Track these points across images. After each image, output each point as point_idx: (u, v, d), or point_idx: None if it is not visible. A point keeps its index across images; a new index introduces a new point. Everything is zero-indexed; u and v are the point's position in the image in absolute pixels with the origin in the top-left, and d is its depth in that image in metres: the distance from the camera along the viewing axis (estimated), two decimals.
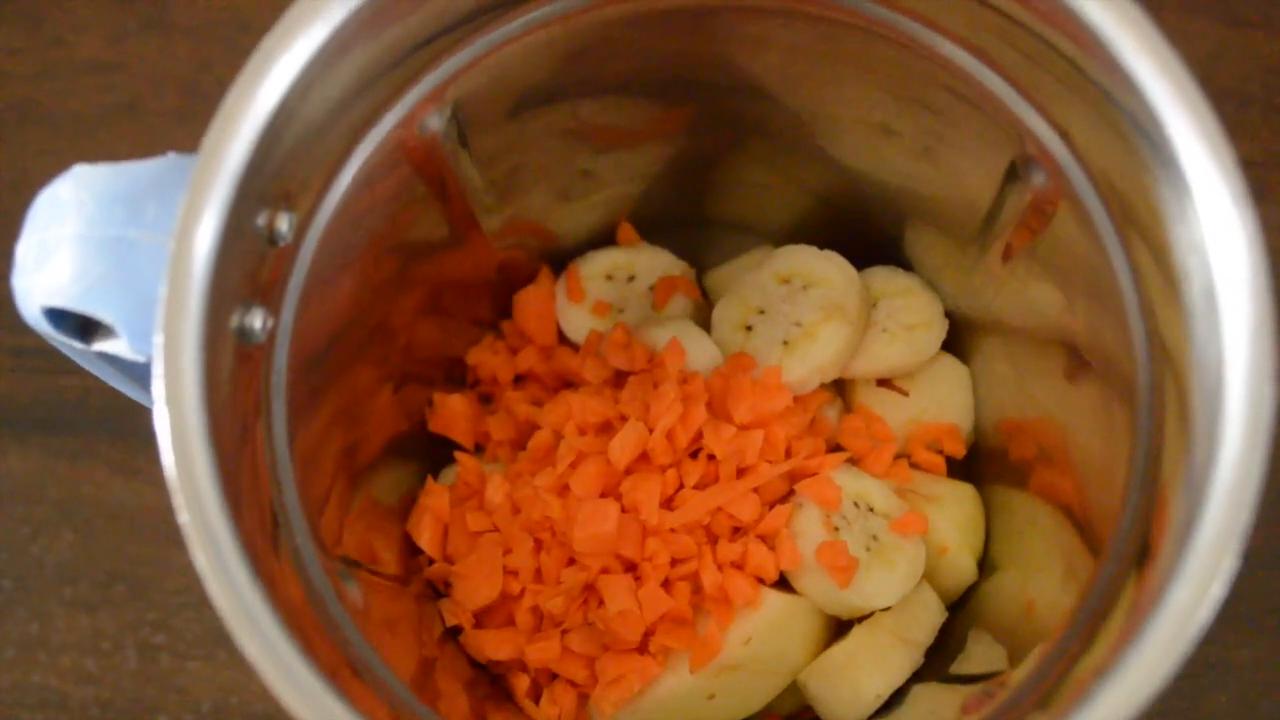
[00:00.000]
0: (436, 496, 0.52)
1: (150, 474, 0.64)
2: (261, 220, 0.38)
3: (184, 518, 0.35)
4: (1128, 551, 0.40)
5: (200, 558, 0.35)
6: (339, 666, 0.40)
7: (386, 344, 0.51)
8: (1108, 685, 0.34)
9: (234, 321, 0.38)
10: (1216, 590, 0.34)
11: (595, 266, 0.57)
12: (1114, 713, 0.34)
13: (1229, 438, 0.34)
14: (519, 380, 0.57)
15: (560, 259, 0.58)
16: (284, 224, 0.39)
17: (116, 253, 0.38)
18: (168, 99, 0.69)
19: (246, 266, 0.38)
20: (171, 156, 0.40)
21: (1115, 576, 0.40)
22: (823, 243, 0.55)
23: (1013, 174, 0.45)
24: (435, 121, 0.45)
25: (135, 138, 0.69)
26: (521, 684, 0.51)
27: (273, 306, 0.41)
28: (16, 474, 0.65)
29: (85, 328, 0.41)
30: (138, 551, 0.64)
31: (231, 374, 0.38)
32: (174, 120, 0.69)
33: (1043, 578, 0.49)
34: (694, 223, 0.59)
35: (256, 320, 0.39)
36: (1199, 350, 0.36)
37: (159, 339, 0.35)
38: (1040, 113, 0.42)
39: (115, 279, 0.38)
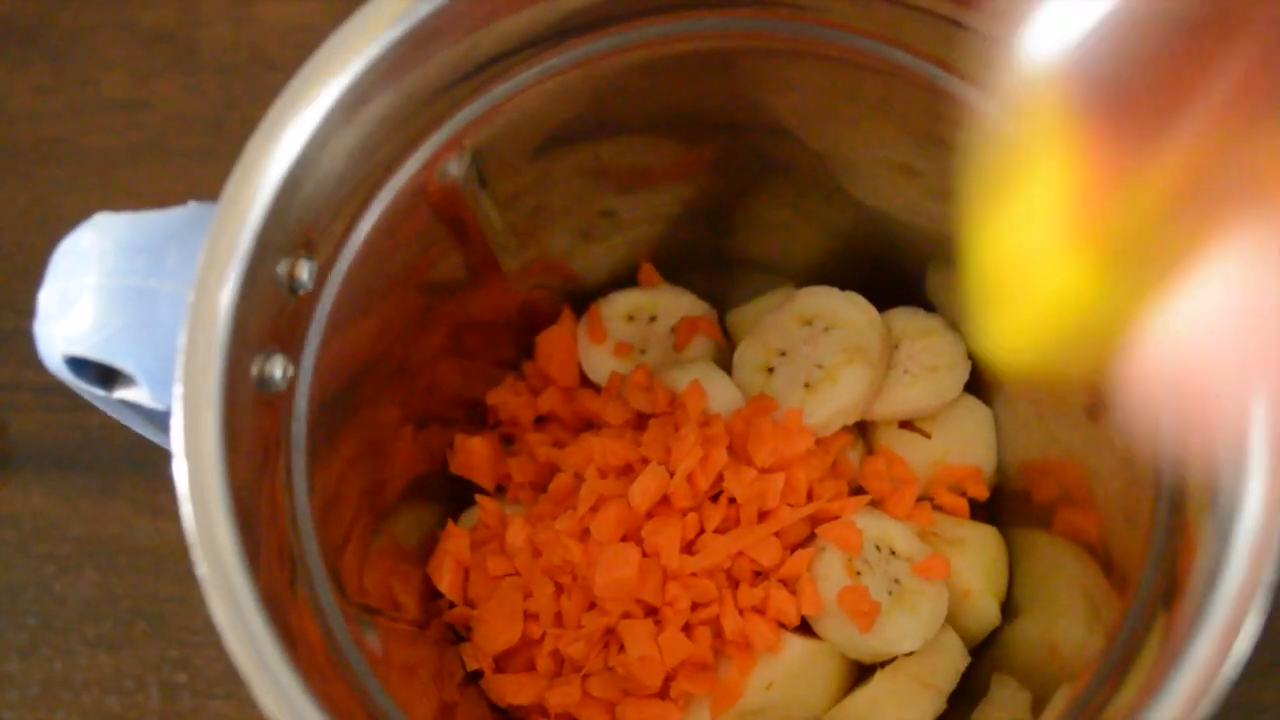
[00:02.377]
0: (457, 539, 0.52)
1: (173, 512, 0.64)
2: (282, 269, 0.39)
3: (202, 570, 0.35)
4: (1155, 591, 0.40)
5: (218, 611, 0.35)
6: (358, 717, 0.40)
7: (408, 385, 0.51)
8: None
9: (254, 370, 0.38)
10: (1247, 632, 0.34)
11: (617, 307, 0.57)
12: None
13: (1253, 489, 0.34)
14: (540, 421, 0.56)
15: (582, 299, 0.58)
16: (304, 272, 0.40)
17: (137, 302, 0.38)
18: (193, 137, 0.70)
19: (267, 315, 0.38)
20: (192, 206, 0.40)
21: (1143, 617, 0.40)
22: (845, 283, 0.55)
23: None
24: (455, 167, 0.45)
25: (161, 176, 0.69)
26: None
27: (293, 354, 0.41)
28: (40, 511, 0.65)
29: (107, 375, 0.41)
30: (160, 589, 0.64)
31: (251, 423, 0.38)
32: (199, 159, 0.69)
33: (1067, 621, 0.49)
34: (716, 262, 0.58)
35: (277, 369, 0.39)
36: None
37: (178, 390, 0.35)
38: None
39: (136, 329, 0.38)
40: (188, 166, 0.69)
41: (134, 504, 0.65)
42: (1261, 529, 0.34)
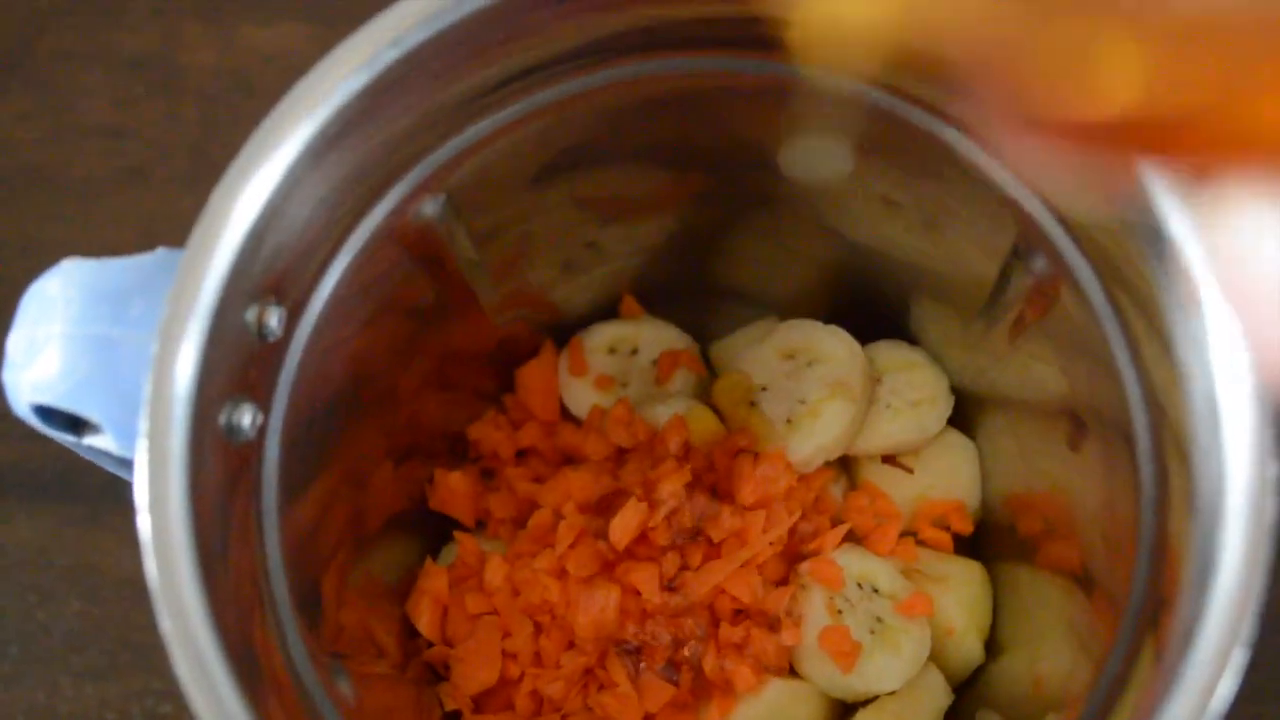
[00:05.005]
0: (435, 578, 0.52)
1: None
2: (250, 316, 0.38)
3: (165, 626, 0.34)
4: (1142, 616, 0.39)
5: (182, 668, 0.34)
6: None
7: (386, 419, 0.51)
8: None
9: (221, 420, 0.38)
10: (1240, 650, 0.33)
11: (598, 340, 0.56)
12: None
13: (1230, 542, 0.34)
14: (521, 455, 0.56)
15: (563, 332, 0.57)
16: (273, 319, 0.39)
17: (102, 351, 0.38)
18: (175, 164, 0.69)
19: (234, 364, 0.38)
20: (160, 252, 0.40)
21: (1131, 642, 0.39)
22: (827, 315, 0.54)
23: (1016, 255, 0.45)
24: (430, 208, 0.44)
25: (143, 203, 0.69)
26: None
27: (263, 401, 0.40)
28: (24, 541, 0.65)
29: (75, 422, 0.40)
30: (145, 620, 0.63)
31: (218, 473, 0.38)
32: (181, 185, 0.69)
33: (1053, 654, 0.48)
34: (698, 293, 0.58)
35: (246, 417, 0.39)
36: (1201, 450, 0.35)
37: (142, 444, 0.35)
38: (1040, 198, 0.42)
39: (100, 378, 0.38)
40: (170, 194, 0.69)
41: (119, 534, 0.65)
42: (1247, 547, 0.34)
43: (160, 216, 0.69)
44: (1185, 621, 0.35)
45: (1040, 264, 0.43)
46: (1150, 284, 0.36)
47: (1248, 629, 0.33)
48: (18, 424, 0.65)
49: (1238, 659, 0.33)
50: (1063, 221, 0.41)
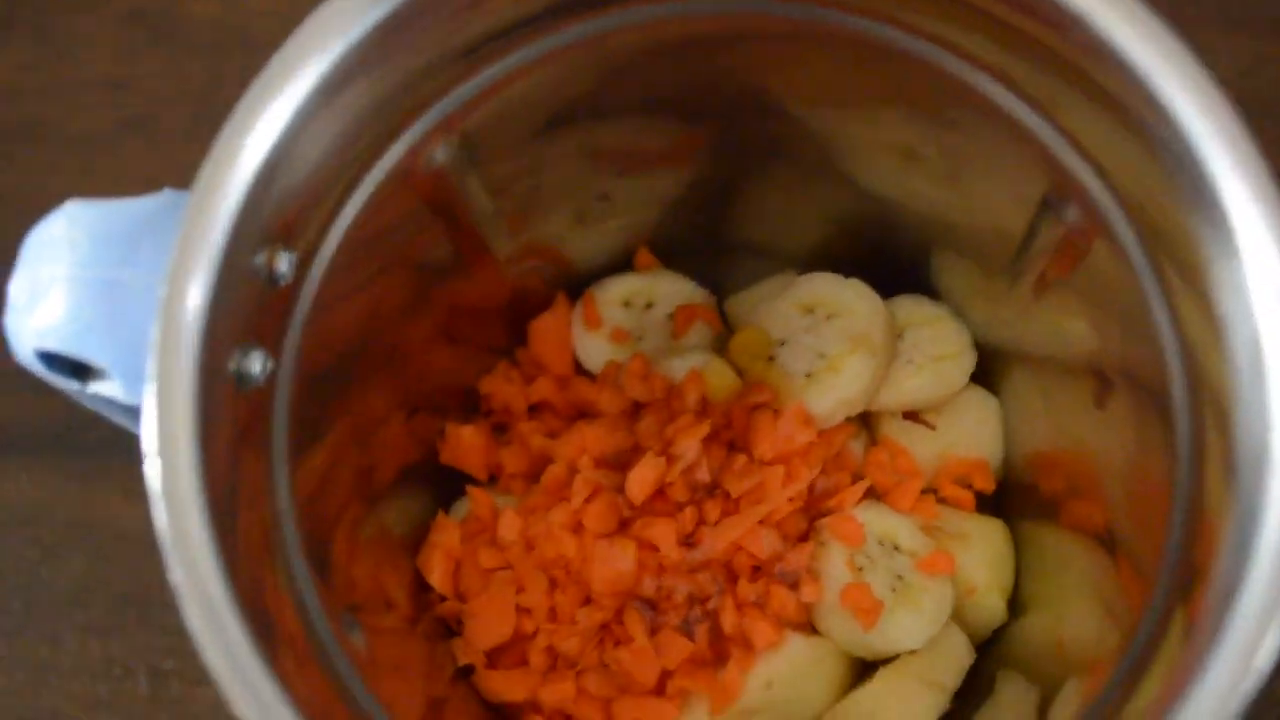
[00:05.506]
0: (447, 532, 0.51)
1: None
2: (259, 260, 0.37)
3: (176, 576, 0.33)
4: (1173, 585, 0.38)
5: (193, 619, 0.33)
6: (326, 705, 0.38)
7: (397, 372, 0.50)
8: None
9: (231, 366, 0.37)
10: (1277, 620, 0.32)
11: (613, 293, 0.55)
12: None
13: (1275, 502, 0.33)
14: (533, 410, 0.55)
15: (577, 285, 0.56)
16: (284, 263, 0.38)
17: (108, 295, 0.37)
18: (178, 117, 0.68)
19: (244, 309, 0.37)
20: (167, 193, 0.39)
21: (1162, 612, 0.38)
22: (847, 269, 0.53)
23: (1046, 206, 0.43)
24: (443, 153, 0.43)
25: (144, 157, 0.67)
26: None
27: (273, 347, 0.39)
28: (26, 496, 0.64)
29: (80, 369, 0.39)
30: (150, 576, 0.63)
31: (228, 419, 0.36)
32: (184, 138, 0.68)
33: (1076, 615, 0.47)
34: (714, 247, 0.57)
35: (255, 364, 0.38)
36: (1244, 403, 0.34)
37: (150, 389, 0.34)
38: (1073, 146, 0.40)
39: (107, 322, 0.37)
40: (172, 148, 0.68)
41: (123, 489, 0.64)
42: None
43: (163, 170, 0.68)
44: (1221, 591, 0.33)
45: (1072, 214, 0.42)
46: (1189, 232, 0.35)
47: None
48: (18, 378, 0.64)
49: (1273, 640, 0.32)
50: (1098, 169, 0.40)
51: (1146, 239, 0.39)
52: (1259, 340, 0.33)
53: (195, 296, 0.34)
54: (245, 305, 0.37)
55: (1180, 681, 0.33)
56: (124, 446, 0.63)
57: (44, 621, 0.62)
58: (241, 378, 0.37)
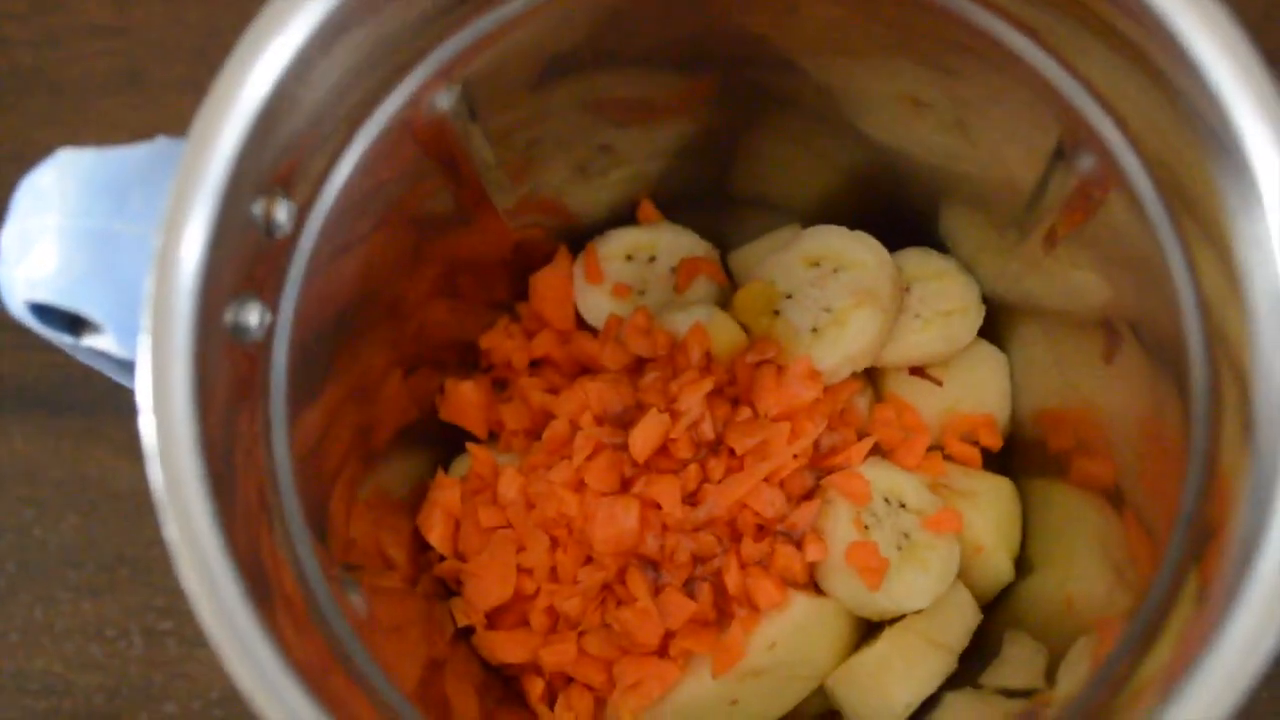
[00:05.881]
0: (447, 490, 0.50)
1: None
2: (257, 210, 0.36)
3: (171, 533, 0.33)
4: (1187, 544, 0.38)
5: (188, 577, 0.33)
6: (339, 686, 0.37)
7: (397, 327, 0.49)
8: (1184, 692, 0.32)
9: (228, 319, 0.36)
10: None
11: (615, 246, 0.54)
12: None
13: None
14: (535, 366, 0.54)
15: (578, 239, 0.55)
16: (282, 213, 0.37)
17: (101, 246, 0.36)
18: (174, 67, 0.67)
19: (241, 260, 0.36)
20: (160, 141, 0.38)
21: (1174, 574, 0.38)
22: (853, 222, 0.52)
23: (1059, 156, 0.42)
24: (444, 100, 0.42)
25: (140, 106, 0.66)
26: (536, 687, 0.49)
27: (271, 300, 0.38)
28: (19, 454, 0.63)
29: (74, 322, 0.38)
30: (144, 535, 0.62)
31: (225, 374, 0.36)
32: (180, 89, 0.67)
33: (1084, 574, 0.47)
34: (718, 200, 0.56)
35: (253, 316, 0.37)
36: (1263, 355, 0.33)
37: (144, 342, 0.33)
38: (1090, 93, 0.39)
39: (100, 273, 0.36)
40: (169, 98, 0.66)
41: (116, 447, 0.63)
42: None
43: (158, 120, 0.67)
44: (1237, 551, 0.33)
45: (1087, 164, 0.41)
46: (1209, 182, 0.34)
47: None
48: (11, 334, 0.64)
49: None
50: (1116, 118, 0.39)
51: (1164, 190, 0.38)
52: (1278, 291, 0.32)
53: (191, 246, 0.33)
54: (243, 255, 0.36)
55: (1195, 644, 0.32)
56: (118, 404, 0.63)
57: (37, 582, 0.62)
58: (238, 330, 0.36)
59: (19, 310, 0.38)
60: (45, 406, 0.64)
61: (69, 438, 0.63)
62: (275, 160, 0.36)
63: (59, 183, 0.37)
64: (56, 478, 0.63)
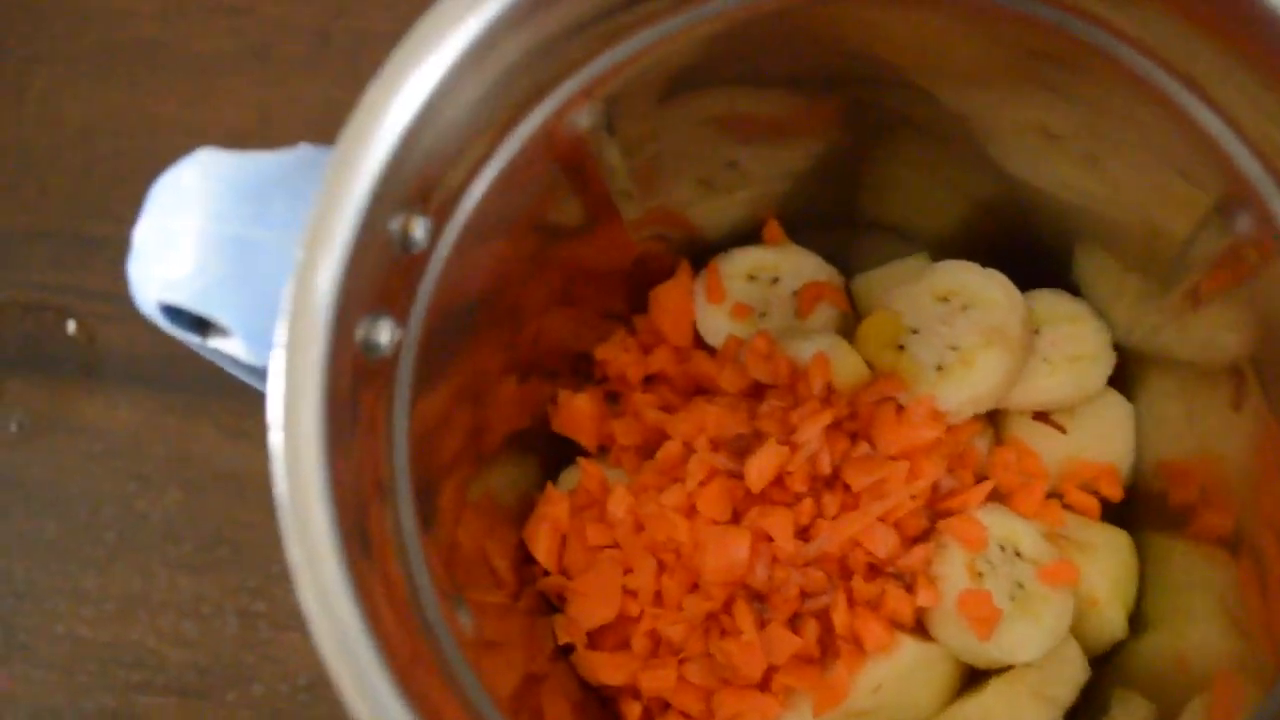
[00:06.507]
0: (556, 505, 0.50)
1: (259, 438, 0.62)
2: (395, 226, 0.36)
3: (294, 555, 0.32)
4: None
5: (309, 599, 0.32)
6: (429, 681, 0.37)
7: (514, 332, 0.49)
8: None
9: (359, 335, 0.35)
10: None
11: (738, 265, 0.53)
12: None
13: None
14: (649, 381, 0.53)
15: (701, 255, 0.54)
16: (419, 230, 0.37)
17: (239, 252, 0.36)
18: (297, 45, 0.67)
19: (376, 277, 0.35)
20: (303, 148, 0.37)
21: None
22: (982, 256, 0.51)
23: (1214, 212, 0.41)
24: (585, 118, 0.41)
25: (262, 84, 0.66)
26: (633, 711, 0.48)
27: (401, 316, 0.38)
28: (126, 427, 0.64)
29: (202, 322, 0.38)
30: (243, 516, 0.63)
31: (352, 391, 0.35)
32: (303, 67, 0.67)
33: (1201, 634, 0.46)
34: (844, 224, 0.55)
35: (384, 334, 0.36)
36: None
37: (279, 361, 0.32)
38: (1255, 154, 0.38)
39: (235, 280, 0.36)
40: (289, 76, 0.66)
41: (220, 426, 0.63)
42: None
43: (279, 99, 0.67)
44: None
45: (1244, 224, 0.39)
46: None
47: None
48: (118, 305, 0.64)
49: None
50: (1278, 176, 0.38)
51: None
52: None
53: (330, 263, 0.33)
54: (378, 272, 0.35)
55: None
56: (225, 385, 0.62)
57: (136, 554, 0.62)
58: (369, 347, 0.36)
59: (150, 308, 0.38)
60: (152, 382, 0.64)
61: (174, 414, 0.64)
62: (417, 176, 0.35)
63: (201, 183, 0.36)
64: (160, 453, 0.63)
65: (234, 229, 0.36)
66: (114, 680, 0.61)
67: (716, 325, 0.53)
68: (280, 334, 0.33)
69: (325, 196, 0.33)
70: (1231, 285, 0.42)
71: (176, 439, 0.63)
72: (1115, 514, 0.52)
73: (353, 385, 0.35)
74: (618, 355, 0.53)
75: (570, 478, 0.52)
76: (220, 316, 0.36)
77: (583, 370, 0.54)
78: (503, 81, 0.37)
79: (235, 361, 0.39)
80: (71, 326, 0.64)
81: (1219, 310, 0.44)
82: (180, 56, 0.67)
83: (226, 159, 0.37)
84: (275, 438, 0.33)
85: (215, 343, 0.38)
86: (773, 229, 0.54)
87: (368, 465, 0.37)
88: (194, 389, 0.64)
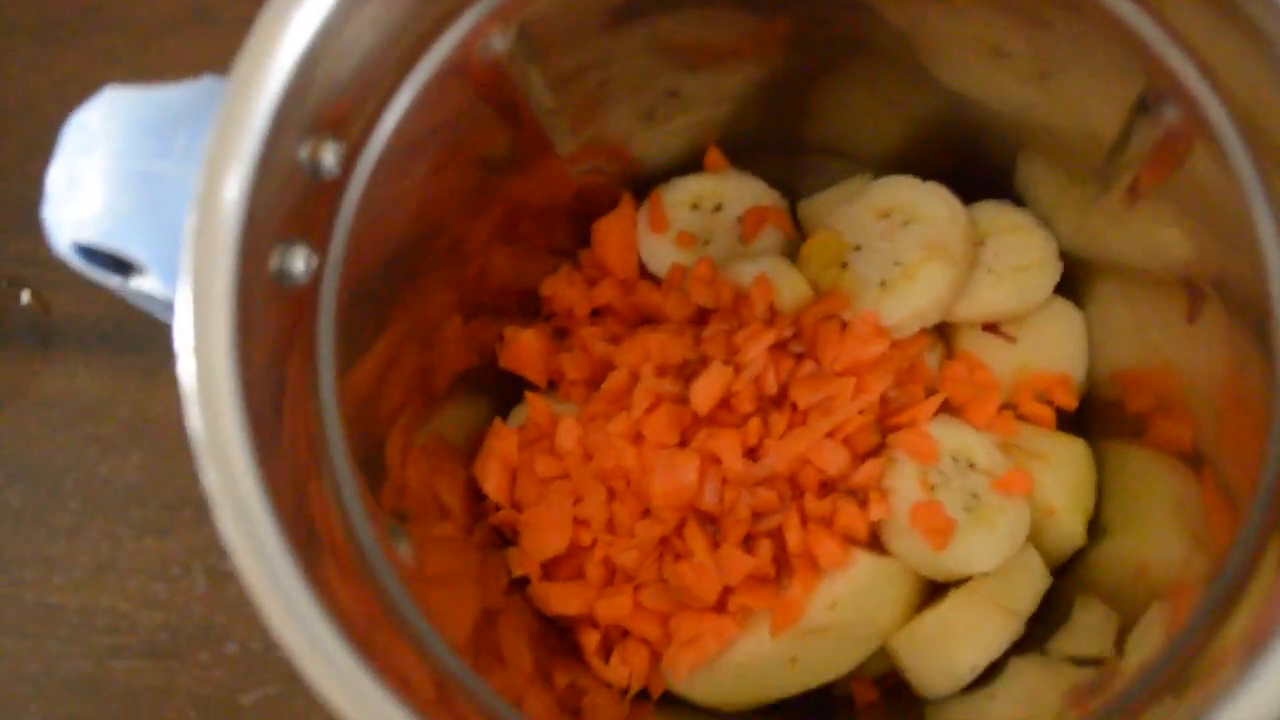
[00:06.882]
0: (504, 439, 0.49)
1: None
2: (304, 152, 0.35)
3: (210, 479, 0.32)
4: (1271, 511, 0.36)
5: (227, 525, 0.32)
6: (387, 639, 0.37)
7: (457, 271, 0.48)
8: (1264, 662, 0.30)
9: (272, 263, 0.35)
10: None
11: (680, 194, 0.53)
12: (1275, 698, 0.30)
13: None
14: (596, 314, 0.53)
15: (643, 186, 0.54)
16: (330, 156, 0.36)
17: (146, 186, 0.35)
18: (241, 5, 0.66)
19: (287, 203, 0.35)
20: (207, 79, 0.37)
21: (1257, 539, 0.36)
22: (926, 173, 0.51)
23: (1142, 107, 0.40)
24: (500, 42, 0.41)
25: (206, 45, 0.66)
26: (591, 640, 0.48)
27: (318, 244, 0.37)
28: (85, 392, 0.63)
29: (121, 262, 0.38)
30: None
31: (270, 317, 0.35)
32: (247, 27, 0.66)
33: (1160, 539, 0.45)
34: (787, 148, 0.54)
35: (299, 261, 0.36)
36: None
37: (185, 284, 0.32)
38: (1176, 41, 0.38)
39: (145, 215, 0.35)
40: (234, 37, 0.65)
41: (179, 387, 0.63)
42: None
43: (225, 59, 0.66)
44: None
45: (1171, 115, 0.39)
46: None
47: None
48: (74, 272, 0.64)
49: None
50: (1201, 67, 0.37)
51: (1251, 143, 0.36)
52: None
53: (233, 188, 0.32)
54: (288, 198, 0.35)
55: (1274, 615, 0.31)
56: None
57: (102, 519, 0.62)
58: (284, 275, 0.35)
59: (65, 250, 0.37)
60: (110, 345, 0.63)
61: (133, 376, 0.63)
62: (322, 102, 0.35)
63: (104, 122, 0.36)
64: (121, 415, 0.63)
65: (140, 164, 0.35)
66: (87, 645, 0.61)
67: (661, 255, 0.52)
68: (185, 261, 0.32)
69: (223, 124, 0.33)
70: (1164, 177, 0.41)
71: (136, 402, 0.63)
72: (1073, 424, 0.51)
73: (269, 313, 0.35)
74: (563, 290, 0.53)
75: (520, 415, 0.51)
76: (133, 252, 0.36)
77: (531, 308, 0.54)
78: (405, 5, 0.36)
79: (159, 302, 0.39)
80: (25, 296, 0.64)
81: (1155, 206, 0.43)
82: (122, 20, 0.67)
83: (131, 95, 0.36)
84: (185, 364, 0.32)
85: (136, 283, 0.38)
86: (714, 156, 0.54)
87: (293, 393, 0.36)
88: (153, 350, 0.63)
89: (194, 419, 0.32)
